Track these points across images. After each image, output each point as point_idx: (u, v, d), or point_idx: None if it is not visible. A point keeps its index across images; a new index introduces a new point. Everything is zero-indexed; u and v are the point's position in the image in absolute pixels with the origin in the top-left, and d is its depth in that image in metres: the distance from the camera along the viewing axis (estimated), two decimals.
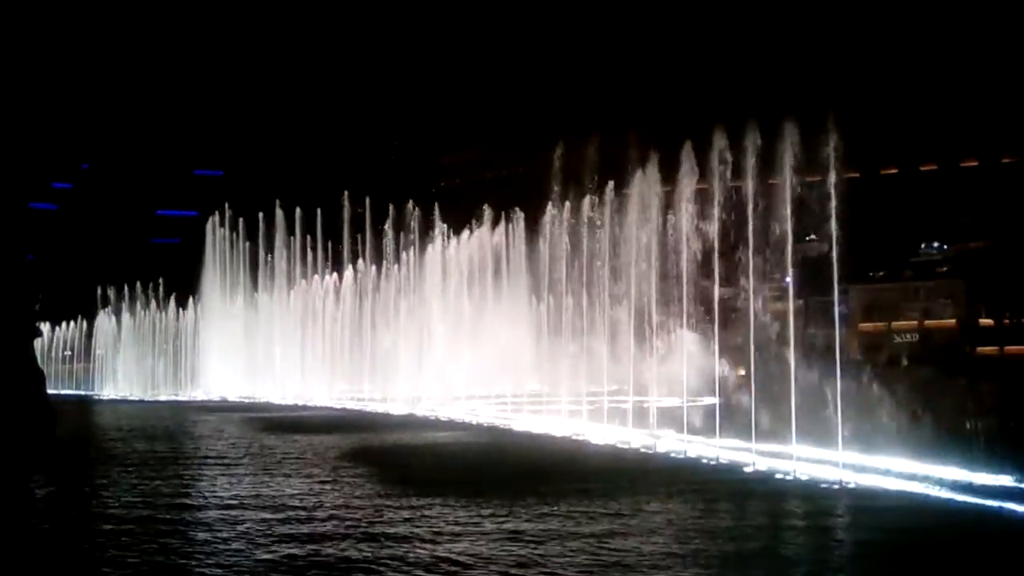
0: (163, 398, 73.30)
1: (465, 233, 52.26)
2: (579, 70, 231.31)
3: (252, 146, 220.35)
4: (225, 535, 15.96)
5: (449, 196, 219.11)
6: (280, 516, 17.81)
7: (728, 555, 14.55)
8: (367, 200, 76.75)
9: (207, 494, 20.87)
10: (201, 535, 16.14)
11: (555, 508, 18.12)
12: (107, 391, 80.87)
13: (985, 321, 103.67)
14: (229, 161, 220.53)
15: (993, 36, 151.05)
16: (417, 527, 16.47)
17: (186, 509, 18.99)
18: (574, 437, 33.43)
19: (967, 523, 17.25)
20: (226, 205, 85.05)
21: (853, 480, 20.91)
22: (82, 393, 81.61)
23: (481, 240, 49.88)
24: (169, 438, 36.45)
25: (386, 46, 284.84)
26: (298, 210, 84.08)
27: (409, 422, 43.28)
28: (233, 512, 18.22)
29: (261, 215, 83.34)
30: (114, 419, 49.28)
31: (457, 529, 16.25)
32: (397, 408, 49.53)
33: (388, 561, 13.96)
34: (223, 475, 24.07)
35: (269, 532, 16.24)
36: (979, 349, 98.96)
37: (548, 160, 45.51)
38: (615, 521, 17.00)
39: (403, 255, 57.78)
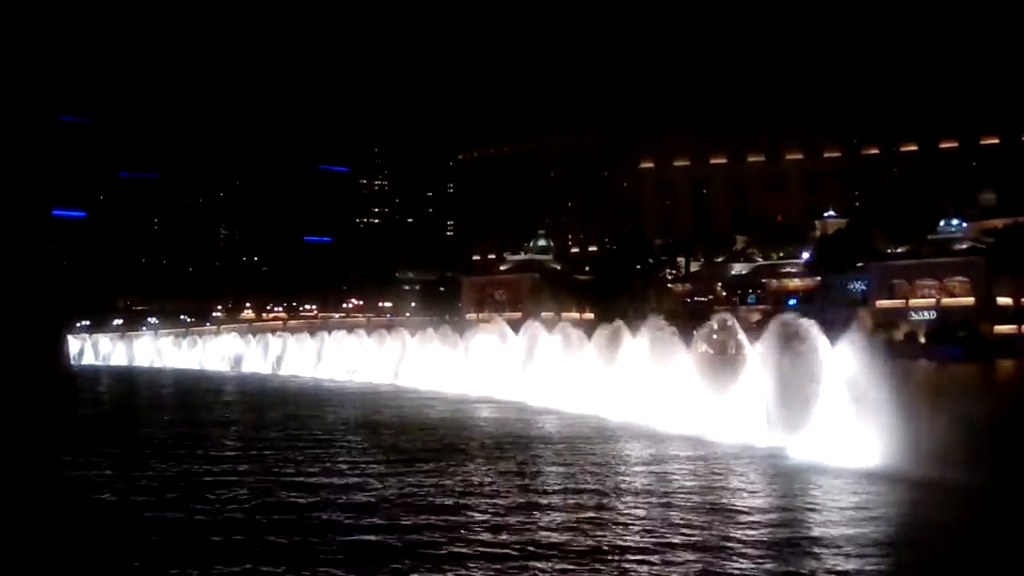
0: None
1: None
2: (596, 48, 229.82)
3: (263, 130, 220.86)
4: None
5: (467, 169, 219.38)
6: None
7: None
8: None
9: None
10: None
11: None
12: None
13: (1003, 300, 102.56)
14: (242, 137, 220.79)
15: (1014, 14, 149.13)
16: None
17: None
18: None
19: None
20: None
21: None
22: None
23: None
24: None
25: (407, 24, 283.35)
26: None
27: None
28: None
29: None
30: None
31: None
32: None
33: None
34: None
35: None
36: (997, 328, 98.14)
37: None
38: None
39: None
